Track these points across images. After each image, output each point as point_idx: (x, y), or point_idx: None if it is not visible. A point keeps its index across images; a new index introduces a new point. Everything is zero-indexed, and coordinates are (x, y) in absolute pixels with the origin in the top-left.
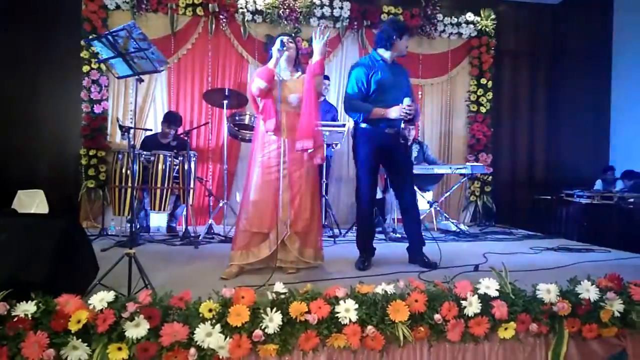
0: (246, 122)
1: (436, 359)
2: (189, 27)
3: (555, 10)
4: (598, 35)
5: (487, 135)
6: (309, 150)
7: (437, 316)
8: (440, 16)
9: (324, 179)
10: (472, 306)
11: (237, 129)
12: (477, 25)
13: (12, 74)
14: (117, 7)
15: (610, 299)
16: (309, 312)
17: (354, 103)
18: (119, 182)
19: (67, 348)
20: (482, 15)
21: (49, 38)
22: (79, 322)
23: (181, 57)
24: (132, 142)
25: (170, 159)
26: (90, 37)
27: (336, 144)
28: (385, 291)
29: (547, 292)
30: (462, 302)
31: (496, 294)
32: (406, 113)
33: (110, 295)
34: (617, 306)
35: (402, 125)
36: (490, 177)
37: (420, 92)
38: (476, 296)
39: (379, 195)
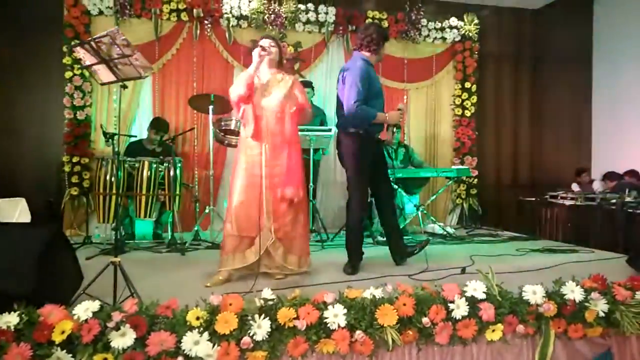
0: (232, 127)
1: None
2: (174, 33)
3: (536, 14)
4: (579, 38)
5: (472, 139)
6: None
7: (425, 319)
8: (424, 21)
9: (311, 184)
10: (460, 309)
11: (222, 134)
12: (461, 29)
13: None
14: (100, 12)
15: (594, 299)
16: (297, 318)
17: (360, 108)
18: (103, 189)
19: (51, 359)
20: (466, 20)
21: (31, 44)
22: (63, 332)
23: (166, 62)
24: (116, 149)
25: (155, 165)
26: (73, 43)
27: (324, 149)
28: (374, 295)
29: (533, 293)
30: (449, 305)
31: (483, 296)
32: (401, 119)
33: (95, 305)
34: (601, 306)
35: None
36: (476, 180)
37: (405, 97)
38: (463, 299)
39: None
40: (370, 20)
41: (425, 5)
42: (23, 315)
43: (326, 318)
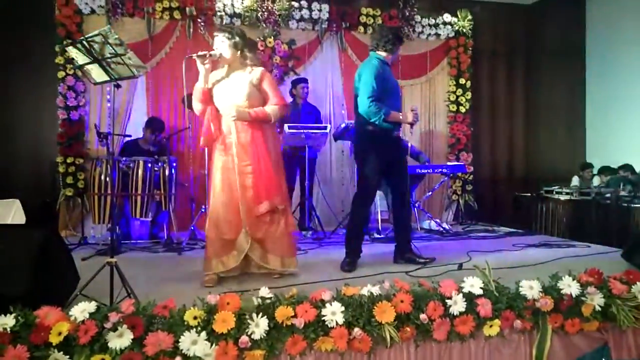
0: None
1: (423, 358)
2: (167, 31)
3: (529, 9)
4: (572, 33)
5: (467, 135)
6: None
7: (423, 316)
8: (418, 17)
9: (307, 181)
10: (457, 305)
11: None
12: (455, 26)
13: None
14: (92, 11)
15: (591, 293)
16: (295, 316)
17: (374, 106)
18: (99, 189)
19: None
20: (459, 16)
21: (23, 43)
22: (60, 334)
23: (159, 61)
24: (110, 149)
25: (150, 165)
26: (65, 42)
27: (318, 147)
28: (371, 292)
29: (530, 288)
30: (447, 301)
31: (480, 292)
32: (416, 118)
33: (91, 306)
34: (598, 300)
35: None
36: (471, 176)
37: (400, 93)
38: (461, 295)
39: None
40: (364, 17)
41: (419, 1)
42: (19, 317)
43: (324, 316)
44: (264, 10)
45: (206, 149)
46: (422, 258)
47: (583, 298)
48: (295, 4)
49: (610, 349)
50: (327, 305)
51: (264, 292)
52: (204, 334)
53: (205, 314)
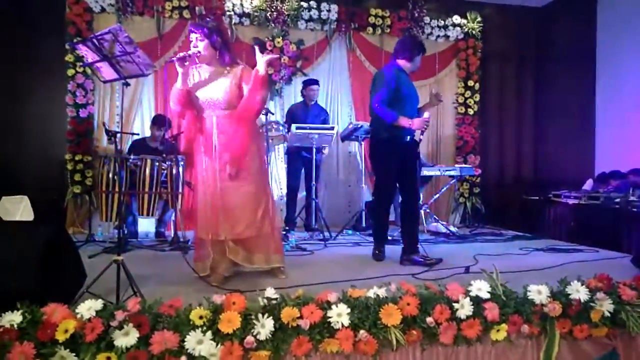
0: None
1: None
2: (176, 30)
3: (540, 12)
4: (582, 36)
5: (475, 137)
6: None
7: (429, 319)
8: (427, 19)
9: (313, 182)
10: (464, 309)
11: None
12: (464, 27)
13: None
14: (102, 10)
15: (600, 299)
16: (301, 317)
17: (382, 107)
18: (106, 187)
19: (54, 358)
20: (469, 18)
21: (33, 41)
22: (66, 331)
23: (168, 60)
24: (118, 147)
25: (157, 164)
26: (75, 40)
27: (324, 147)
28: (377, 295)
29: (538, 293)
30: (454, 304)
31: (488, 295)
32: (426, 124)
33: (98, 304)
34: (607, 306)
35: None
36: (479, 178)
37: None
38: (468, 298)
39: (368, 198)
40: (372, 18)
41: (428, 3)
42: (26, 314)
43: (330, 317)
44: (273, 10)
45: None
46: (428, 259)
47: (592, 304)
48: (305, 4)
49: (619, 355)
50: (333, 306)
51: (270, 292)
52: (209, 333)
53: (211, 313)
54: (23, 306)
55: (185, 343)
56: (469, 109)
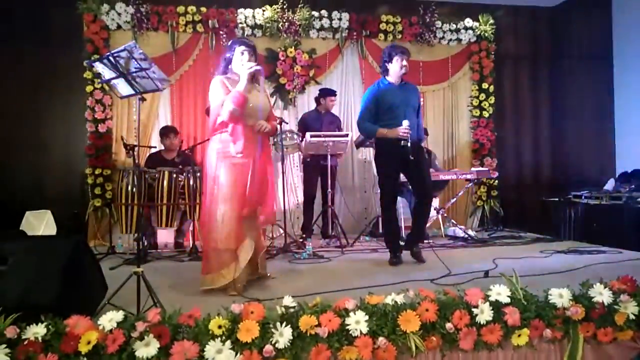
0: None
1: None
2: (190, 44)
3: (553, 13)
4: (598, 34)
5: (491, 140)
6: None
7: (448, 325)
8: (439, 23)
9: (329, 189)
10: (484, 314)
11: None
12: (476, 30)
13: (17, 95)
14: (119, 27)
15: (624, 301)
16: (319, 325)
17: (362, 125)
18: (125, 200)
19: None
20: (481, 21)
21: (53, 59)
22: (89, 343)
23: (183, 74)
24: (137, 160)
25: (175, 175)
26: (92, 58)
27: (339, 154)
28: (395, 301)
29: (560, 296)
30: (473, 310)
31: (508, 300)
32: (404, 133)
33: (119, 315)
34: (631, 308)
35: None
36: (496, 181)
37: (422, 99)
38: (487, 303)
39: None
40: (384, 25)
41: (440, 7)
42: (50, 326)
43: (348, 325)
44: (284, 20)
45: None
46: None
47: (616, 306)
48: (316, 14)
49: None
50: (351, 314)
51: (288, 301)
52: (228, 343)
53: (229, 323)
54: (47, 319)
55: (205, 353)
56: (484, 112)
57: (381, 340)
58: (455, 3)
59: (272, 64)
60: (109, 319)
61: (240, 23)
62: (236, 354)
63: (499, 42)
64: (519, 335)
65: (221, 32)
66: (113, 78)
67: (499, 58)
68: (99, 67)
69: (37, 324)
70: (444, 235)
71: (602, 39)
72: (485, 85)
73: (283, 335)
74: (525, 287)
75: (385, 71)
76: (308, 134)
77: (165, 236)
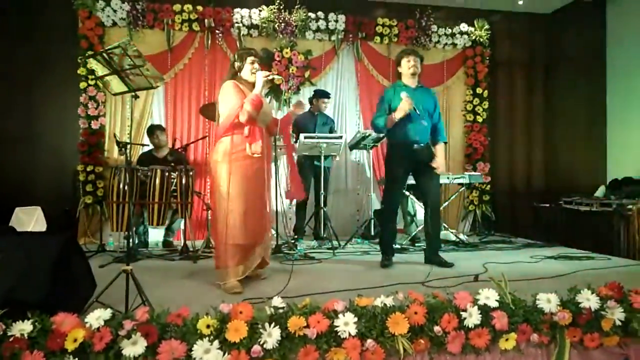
0: None
1: None
2: (185, 43)
3: (548, 19)
4: (592, 42)
5: (484, 144)
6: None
7: (437, 328)
8: (434, 27)
9: (322, 191)
10: (472, 317)
11: None
12: (472, 35)
13: (9, 90)
14: (114, 24)
15: (611, 307)
16: (307, 326)
17: (374, 122)
18: (117, 197)
19: None
20: (476, 26)
21: (47, 55)
22: (75, 340)
23: (178, 72)
24: (129, 158)
25: (167, 174)
26: (87, 54)
27: (334, 155)
28: (385, 304)
29: (548, 301)
30: (462, 313)
31: (496, 304)
32: (408, 103)
33: (107, 313)
34: (618, 315)
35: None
36: (489, 186)
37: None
38: (476, 307)
39: (377, 206)
40: (380, 27)
41: (435, 11)
42: (36, 323)
43: (337, 327)
44: (281, 21)
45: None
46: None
47: (603, 312)
48: (312, 15)
49: None
50: (340, 315)
51: (277, 301)
52: (216, 342)
53: (218, 323)
54: (33, 315)
55: (193, 352)
56: (478, 117)
57: (370, 342)
58: (451, 8)
59: (267, 65)
60: (97, 317)
61: (237, 22)
62: (224, 354)
63: (494, 48)
64: (507, 340)
65: (217, 32)
66: (107, 75)
67: (494, 63)
68: (92, 63)
69: (23, 321)
70: None
71: (596, 46)
72: (479, 90)
73: (271, 336)
74: (514, 292)
75: (399, 75)
76: (302, 135)
77: (156, 235)
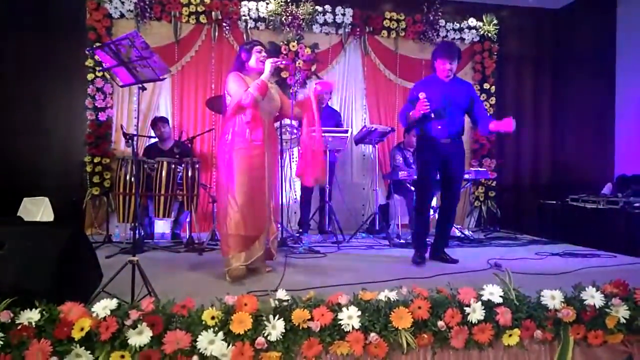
0: None
1: None
2: (193, 35)
3: (557, 14)
4: (602, 38)
5: (490, 140)
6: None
7: (440, 323)
8: (442, 22)
9: (327, 185)
10: (476, 313)
11: None
12: (480, 30)
13: (18, 82)
14: (122, 15)
15: (615, 305)
16: (311, 319)
17: (401, 114)
18: (123, 189)
19: (70, 356)
20: (485, 21)
21: (55, 46)
22: (82, 329)
23: (185, 64)
24: (135, 150)
25: (173, 166)
26: (94, 46)
27: (339, 150)
28: (388, 298)
29: (552, 298)
30: (465, 308)
31: (500, 300)
32: (423, 106)
33: (113, 303)
34: (622, 312)
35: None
36: (495, 182)
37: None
38: (480, 303)
39: (382, 201)
40: (387, 22)
41: (444, 6)
42: (44, 312)
43: (340, 320)
44: (288, 14)
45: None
46: (450, 258)
47: (607, 309)
48: (319, 8)
49: None
50: (344, 309)
51: (281, 294)
52: (221, 334)
53: (222, 314)
54: (41, 304)
55: (197, 343)
56: None
57: (373, 336)
58: (460, 2)
59: (274, 57)
60: (103, 307)
61: (244, 15)
62: (228, 345)
63: (502, 43)
64: (510, 336)
65: (224, 24)
66: (114, 66)
67: (502, 59)
68: (100, 54)
69: (31, 310)
70: None
71: (605, 42)
72: (486, 86)
73: (275, 328)
74: (518, 288)
75: (432, 65)
76: None
77: (161, 227)
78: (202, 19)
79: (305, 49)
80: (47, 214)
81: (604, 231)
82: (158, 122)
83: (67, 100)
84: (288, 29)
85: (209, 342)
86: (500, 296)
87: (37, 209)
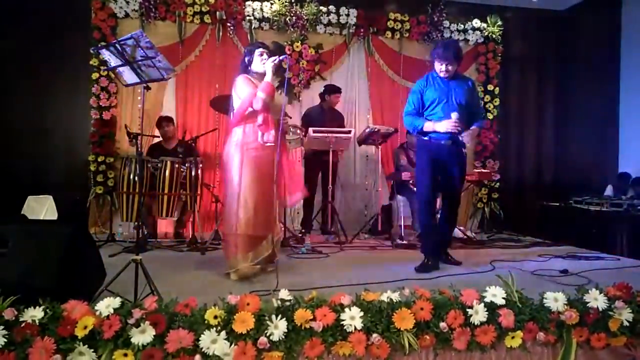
0: None
1: None
2: (197, 35)
3: (561, 16)
4: (606, 40)
5: (494, 142)
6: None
7: (443, 324)
8: (446, 23)
9: (330, 185)
10: (478, 314)
11: None
12: (484, 31)
13: (22, 81)
14: (126, 15)
15: (619, 307)
16: (314, 319)
17: (408, 118)
18: (127, 188)
19: (73, 354)
20: (489, 22)
21: (59, 46)
22: (85, 328)
23: (189, 64)
24: (140, 149)
25: (177, 166)
26: (99, 45)
27: (342, 150)
28: (391, 299)
29: (555, 300)
30: (468, 310)
31: (503, 302)
32: (454, 126)
33: (116, 302)
34: (626, 315)
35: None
36: (498, 184)
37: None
38: (482, 304)
39: (385, 202)
40: (391, 22)
41: (448, 7)
42: (48, 310)
43: (343, 320)
44: (292, 14)
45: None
46: (453, 260)
47: (610, 312)
48: (324, 9)
49: None
50: (347, 309)
51: (284, 294)
52: (223, 333)
53: (225, 313)
54: (44, 302)
55: (200, 342)
56: (489, 114)
57: (375, 336)
58: (464, 3)
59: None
60: (106, 305)
61: (248, 16)
62: (231, 345)
63: (507, 44)
64: (513, 338)
65: (228, 24)
66: (119, 65)
67: (506, 60)
68: (105, 54)
69: (35, 307)
70: None
71: (609, 44)
72: (490, 87)
73: (278, 328)
74: (521, 290)
75: (431, 63)
76: (311, 129)
77: (165, 226)
78: (207, 19)
79: (309, 49)
80: (51, 212)
81: (608, 233)
82: (163, 122)
83: (71, 100)
84: (292, 29)
85: (212, 341)
86: (503, 298)
87: (41, 207)
